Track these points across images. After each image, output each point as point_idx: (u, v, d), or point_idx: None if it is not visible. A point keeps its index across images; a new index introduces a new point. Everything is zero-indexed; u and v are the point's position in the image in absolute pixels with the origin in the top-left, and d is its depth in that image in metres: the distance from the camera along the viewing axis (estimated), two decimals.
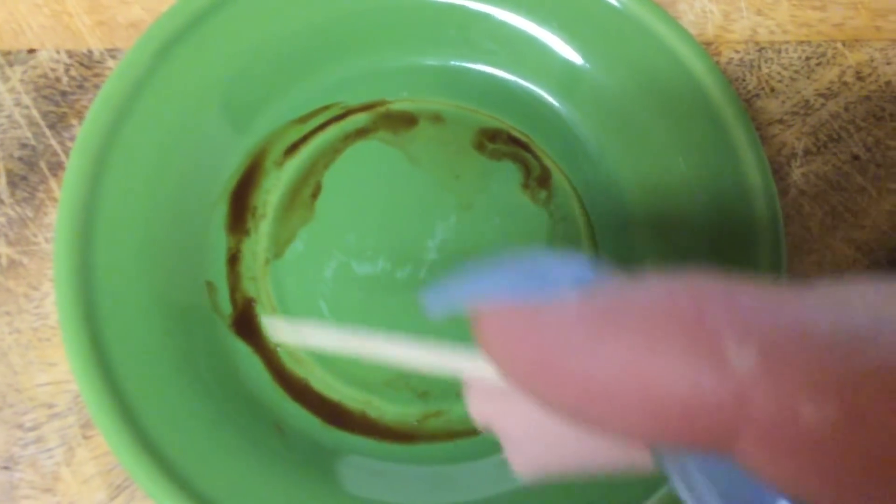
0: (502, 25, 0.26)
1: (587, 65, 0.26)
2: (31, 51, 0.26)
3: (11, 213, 0.25)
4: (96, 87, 0.26)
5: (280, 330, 0.15)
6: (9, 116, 0.26)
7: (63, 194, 0.22)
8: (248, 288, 0.24)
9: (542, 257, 0.12)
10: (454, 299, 0.12)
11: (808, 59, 0.29)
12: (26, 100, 0.26)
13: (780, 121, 0.28)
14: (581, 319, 0.11)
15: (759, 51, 0.29)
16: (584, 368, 0.10)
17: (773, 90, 0.29)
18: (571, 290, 0.11)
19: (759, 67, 0.29)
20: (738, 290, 0.10)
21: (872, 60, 0.29)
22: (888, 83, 0.29)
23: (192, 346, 0.23)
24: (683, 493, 0.11)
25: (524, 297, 0.11)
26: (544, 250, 0.11)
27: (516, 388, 0.11)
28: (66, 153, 0.26)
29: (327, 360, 0.24)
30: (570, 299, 0.11)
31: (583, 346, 0.10)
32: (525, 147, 0.27)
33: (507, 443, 0.14)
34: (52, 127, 0.26)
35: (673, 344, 0.10)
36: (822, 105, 0.29)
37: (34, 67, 0.26)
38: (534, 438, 0.13)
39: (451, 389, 0.24)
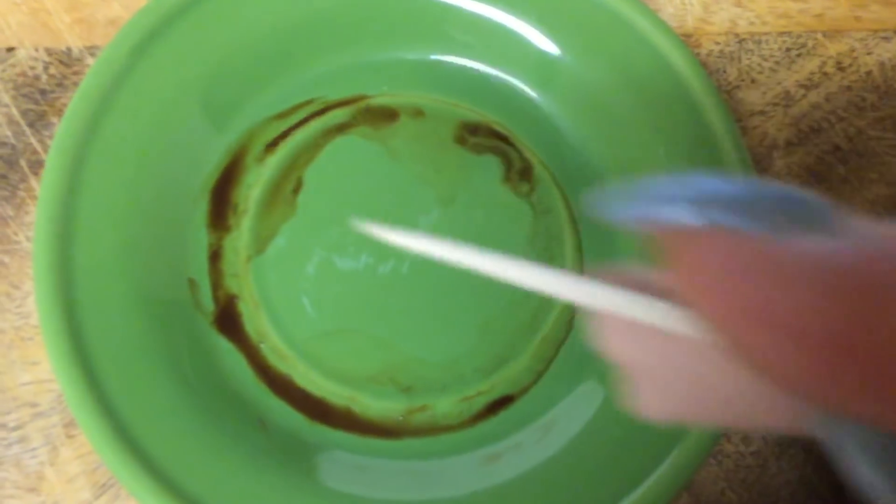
0: (480, 18, 0.26)
1: (566, 57, 0.26)
2: (10, 49, 0.26)
3: None
4: (76, 85, 0.26)
5: (388, 234, 0.14)
6: None
7: (42, 192, 0.22)
8: (230, 284, 0.24)
9: (761, 184, 0.10)
10: (645, 210, 0.10)
11: (788, 49, 0.29)
12: (5, 98, 0.26)
13: (762, 112, 0.28)
14: (840, 279, 0.08)
15: (739, 42, 0.29)
16: (847, 341, 0.08)
17: (753, 81, 0.29)
18: (816, 234, 0.09)
19: (740, 59, 0.29)
20: None
21: (853, 50, 0.29)
22: (869, 73, 0.29)
23: (175, 344, 0.23)
24: (851, 466, 0.10)
25: (750, 230, 0.09)
26: (761, 181, 0.10)
27: (723, 335, 0.10)
28: (47, 151, 0.25)
29: (311, 356, 0.24)
30: (814, 246, 0.09)
31: (846, 314, 0.08)
32: (506, 140, 0.27)
33: (640, 381, 0.13)
34: (31, 125, 0.26)
35: None
36: (803, 96, 0.29)
37: (13, 66, 0.26)
38: (678, 380, 0.12)
39: (435, 384, 0.24)
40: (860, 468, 0.10)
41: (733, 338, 0.09)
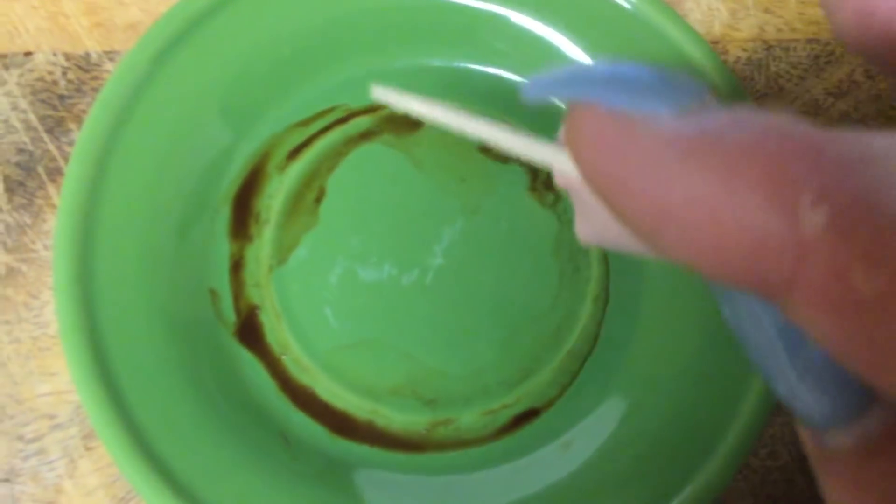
0: (509, 25, 0.26)
1: None
2: (28, 54, 0.26)
3: (9, 219, 0.24)
4: (94, 90, 0.26)
5: (384, 94, 0.16)
6: (5, 121, 0.25)
7: (62, 201, 0.21)
8: (252, 295, 0.24)
9: (655, 73, 0.12)
10: (554, 90, 0.13)
11: (816, 57, 0.29)
12: (23, 104, 0.25)
13: None
14: (670, 144, 0.11)
15: (767, 49, 0.29)
16: (662, 193, 0.11)
17: (781, 89, 0.28)
18: (670, 112, 0.11)
19: (768, 66, 0.28)
20: (829, 144, 0.10)
21: None
22: None
23: (196, 355, 0.22)
24: (732, 322, 0.13)
25: (622, 108, 0.11)
26: (658, 67, 0.12)
27: (593, 192, 0.12)
28: (65, 158, 0.25)
29: (333, 368, 0.24)
30: (666, 121, 0.11)
31: (665, 171, 0.11)
32: None
33: (578, 210, 0.15)
34: (49, 131, 0.25)
35: (751, 187, 0.10)
36: (832, 104, 0.28)
37: (31, 70, 0.26)
38: (602, 215, 0.14)
39: (458, 397, 0.24)
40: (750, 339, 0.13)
41: (602, 198, 0.12)
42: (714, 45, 0.28)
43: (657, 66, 0.12)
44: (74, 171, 0.21)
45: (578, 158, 0.12)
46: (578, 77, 0.12)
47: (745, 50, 0.29)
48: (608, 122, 0.12)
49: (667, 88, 0.12)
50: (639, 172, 0.11)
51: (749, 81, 0.28)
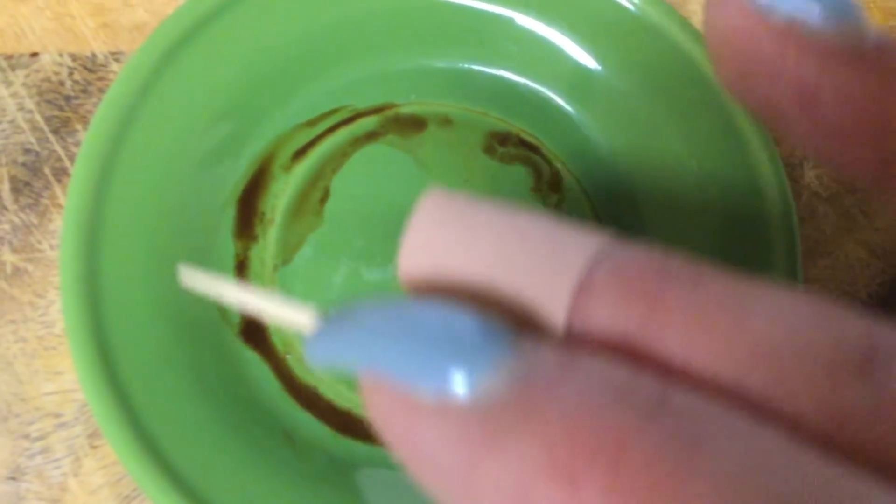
0: (513, 27, 0.26)
1: (599, 67, 0.26)
2: (34, 54, 0.26)
3: (16, 219, 0.24)
4: (100, 91, 0.26)
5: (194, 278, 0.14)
6: (11, 121, 0.25)
7: (68, 201, 0.21)
8: None
9: (443, 311, 0.10)
10: (338, 357, 0.11)
11: None
12: (29, 104, 0.26)
13: None
14: (468, 428, 0.09)
15: None
16: (465, 490, 0.09)
17: None
18: (467, 378, 0.09)
19: None
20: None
21: None
22: None
23: (201, 355, 0.22)
24: None
25: (407, 377, 0.10)
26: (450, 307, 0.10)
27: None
28: (71, 158, 0.25)
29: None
30: (459, 395, 0.09)
31: (463, 465, 0.09)
32: (535, 150, 0.26)
33: None
34: (55, 132, 0.25)
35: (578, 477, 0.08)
36: None
37: (37, 71, 0.26)
38: None
39: None
40: None
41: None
42: None
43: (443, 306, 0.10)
44: (80, 171, 0.22)
45: (384, 438, 0.10)
46: (357, 341, 0.10)
47: None
48: (394, 400, 0.10)
49: (461, 337, 0.10)
50: (436, 465, 0.09)
51: None
